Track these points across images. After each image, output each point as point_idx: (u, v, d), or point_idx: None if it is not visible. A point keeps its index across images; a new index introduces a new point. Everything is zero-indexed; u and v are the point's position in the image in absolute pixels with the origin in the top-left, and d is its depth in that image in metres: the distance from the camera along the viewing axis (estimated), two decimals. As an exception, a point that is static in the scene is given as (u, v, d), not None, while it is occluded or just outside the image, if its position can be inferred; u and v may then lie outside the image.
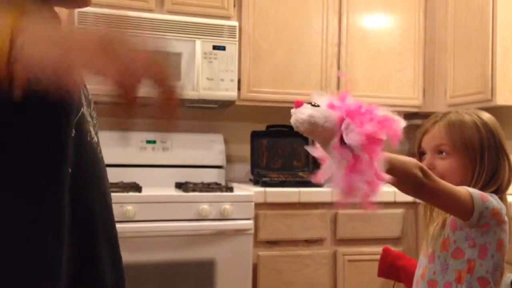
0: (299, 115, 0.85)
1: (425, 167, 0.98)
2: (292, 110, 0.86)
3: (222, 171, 2.73)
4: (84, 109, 0.81)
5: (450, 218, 1.13)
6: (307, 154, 2.88)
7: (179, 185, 2.45)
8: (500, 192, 1.12)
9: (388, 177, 0.84)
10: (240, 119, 2.89)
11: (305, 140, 2.88)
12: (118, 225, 2.10)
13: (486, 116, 1.18)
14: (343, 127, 0.83)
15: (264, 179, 2.48)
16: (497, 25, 2.40)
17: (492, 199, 1.06)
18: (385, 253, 1.31)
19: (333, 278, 2.38)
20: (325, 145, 0.84)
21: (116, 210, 2.25)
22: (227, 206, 2.18)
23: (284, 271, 2.30)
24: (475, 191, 1.04)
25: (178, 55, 2.41)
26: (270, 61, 2.63)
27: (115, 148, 2.60)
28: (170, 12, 2.46)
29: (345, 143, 0.81)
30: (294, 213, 2.33)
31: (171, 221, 2.13)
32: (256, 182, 2.60)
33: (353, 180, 0.82)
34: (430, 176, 0.97)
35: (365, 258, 2.36)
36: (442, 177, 1.10)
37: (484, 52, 2.44)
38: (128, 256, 2.26)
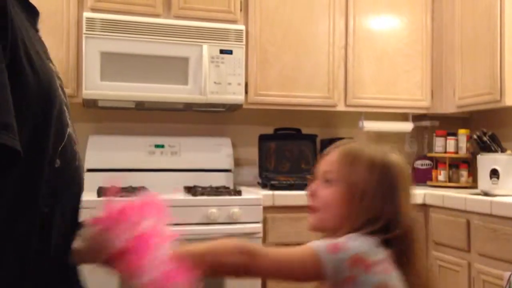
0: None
1: (250, 248, 0.89)
2: None
3: (230, 174, 2.73)
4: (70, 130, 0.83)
5: None
6: (315, 156, 2.87)
7: (188, 189, 2.45)
8: (388, 233, 0.96)
9: None
10: (248, 123, 2.90)
11: (313, 143, 2.88)
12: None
13: (393, 158, 1.03)
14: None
15: (272, 182, 2.48)
16: (505, 25, 2.38)
17: (350, 243, 0.92)
18: None
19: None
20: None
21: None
22: (235, 209, 2.18)
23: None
24: (321, 246, 0.91)
25: (185, 60, 2.42)
26: (277, 64, 2.64)
27: (123, 153, 2.62)
28: (177, 17, 2.47)
29: None
30: (302, 216, 2.32)
31: (180, 225, 2.13)
32: (264, 185, 2.60)
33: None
34: (255, 256, 0.88)
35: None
36: (319, 209, 1.02)
37: (492, 53, 2.43)
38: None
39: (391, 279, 0.93)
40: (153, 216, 0.86)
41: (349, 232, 0.95)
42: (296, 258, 0.92)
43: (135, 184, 2.51)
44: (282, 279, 0.97)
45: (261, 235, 2.22)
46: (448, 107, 2.77)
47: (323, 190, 1.03)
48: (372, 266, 0.91)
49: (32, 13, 0.83)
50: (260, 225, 2.22)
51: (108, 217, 0.87)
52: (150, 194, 0.88)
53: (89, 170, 2.53)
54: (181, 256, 0.87)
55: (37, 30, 0.85)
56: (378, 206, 0.98)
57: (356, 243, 0.92)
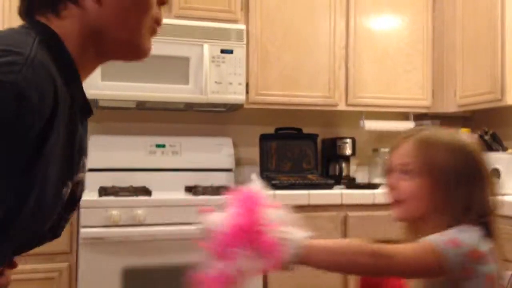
0: (208, 225, 0.95)
1: (379, 249, 0.89)
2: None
3: (231, 174, 2.73)
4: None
5: None
6: (316, 156, 2.87)
7: (189, 189, 2.45)
8: (482, 220, 0.98)
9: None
10: (249, 122, 2.90)
11: (314, 143, 2.88)
12: (128, 229, 2.12)
13: (467, 139, 1.04)
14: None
15: (273, 181, 2.48)
16: (506, 25, 2.38)
17: (464, 236, 0.93)
18: (364, 283, 1.16)
19: (344, 281, 2.37)
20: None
21: (126, 214, 2.27)
22: (236, 209, 2.18)
23: (296, 274, 2.29)
24: (440, 241, 0.91)
25: (186, 59, 2.42)
26: (278, 64, 2.64)
27: (124, 152, 2.63)
28: (178, 17, 2.47)
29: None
30: (303, 215, 2.32)
31: (181, 225, 2.13)
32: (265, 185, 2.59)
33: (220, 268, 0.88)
34: (386, 257, 0.89)
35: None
36: (404, 201, 1.01)
37: (493, 52, 2.43)
38: (138, 259, 2.28)
39: (496, 267, 0.97)
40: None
41: (450, 222, 0.96)
42: (419, 256, 0.91)
43: (136, 184, 2.52)
44: (408, 277, 0.99)
45: (262, 234, 2.22)
46: (449, 107, 2.77)
47: (405, 182, 1.02)
48: (484, 257, 0.94)
49: (85, 113, 0.81)
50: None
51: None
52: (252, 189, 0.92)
53: (90, 170, 2.53)
54: (312, 246, 0.89)
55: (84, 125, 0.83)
56: (470, 190, 0.98)
57: (471, 236, 0.94)
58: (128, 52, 0.81)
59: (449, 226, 0.96)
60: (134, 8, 0.78)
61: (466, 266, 0.92)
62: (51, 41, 0.72)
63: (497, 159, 2.38)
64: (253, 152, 2.85)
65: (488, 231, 0.98)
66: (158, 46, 2.50)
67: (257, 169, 2.81)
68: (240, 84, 2.50)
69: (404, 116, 3.03)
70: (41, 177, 0.65)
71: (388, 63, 2.79)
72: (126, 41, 0.79)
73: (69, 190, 0.77)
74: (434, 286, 0.99)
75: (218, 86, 2.46)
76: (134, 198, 2.13)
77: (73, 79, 0.74)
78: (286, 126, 2.87)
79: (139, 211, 2.07)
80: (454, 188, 0.97)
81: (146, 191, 2.24)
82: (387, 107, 2.81)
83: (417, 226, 1.03)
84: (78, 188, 0.83)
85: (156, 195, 2.21)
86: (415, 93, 2.82)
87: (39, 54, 0.65)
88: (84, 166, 0.84)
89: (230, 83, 2.48)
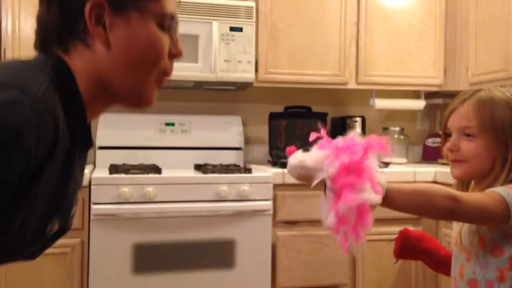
0: (292, 161, 0.91)
1: (455, 194, 0.94)
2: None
3: (240, 152, 2.74)
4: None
5: None
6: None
7: (198, 167, 2.47)
8: None
9: (377, 200, 0.87)
10: (258, 101, 2.89)
11: (324, 121, 2.87)
12: (139, 206, 2.15)
13: None
14: (325, 164, 0.87)
15: (282, 160, 2.49)
16: (521, 0, 2.33)
17: None
18: (405, 235, 1.24)
19: (351, 257, 2.39)
20: (318, 185, 0.89)
21: (137, 191, 2.30)
22: (245, 187, 2.20)
23: (303, 250, 2.32)
24: (508, 194, 0.97)
25: (195, 37, 2.41)
26: (288, 41, 2.61)
27: (134, 131, 2.64)
28: (187, -6, 2.45)
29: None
30: (312, 193, 2.34)
31: (191, 202, 2.16)
32: (274, 163, 2.61)
33: (339, 211, 0.85)
34: (460, 202, 0.93)
35: (384, 238, 2.35)
36: (467, 160, 1.07)
37: (508, 28, 2.38)
38: (148, 236, 2.31)
39: None
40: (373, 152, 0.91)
41: (508, 177, 1.03)
42: (490, 204, 0.96)
43: (145, 161, 2.54)
44: (476, 223, 1.04)
45: (271, 212, 2.24)
46: (461, 84, 2.74)
47: (467, 143, 1.08)
48: None
49: (86, 146, 0.80)
50: (270, 203, 2.24)
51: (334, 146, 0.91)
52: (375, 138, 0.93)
53: (100, 148, 2.56)
54: (394, 188, 0.92)
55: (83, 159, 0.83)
56: None
57: None
58: (130, 100, 0.80)
59: (509, 182, 1.03)
60: (143, 59, 0.76)
61: None
62: (64, 79, 0.72)
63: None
64: (263, 131, 2.85)
65: None
66: (167, 23, 2.50)
67: (266, 147, 2.82)
68: (249, 62, 2.48)
69: (415, 95, 3.00)
70: (26, 216, 0.65)
71: (399, 40, 2.75)
72: (129, 89, 0.78)
73: (56, 226, 0.78)
74: (484, 233, 1.05)
75: (228, 65, 2.45)
76: (145, 175, 2.15)
77: (79, 119, 0.74)
78: (295, 105, 2.86)
79: (149, 189, 2.10)
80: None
81: (156, 169, 2.26)
82: (398, 85, 2.78)
83: (471, 183, 1.10)
84: (69, 222, 0.84)
85: (166, 173, 2.23)
86: (426, 70, 2.79)
87: (47, 94, 0.65)
88: (77, 199, 0.84)
89: (240, 61, 2.47)
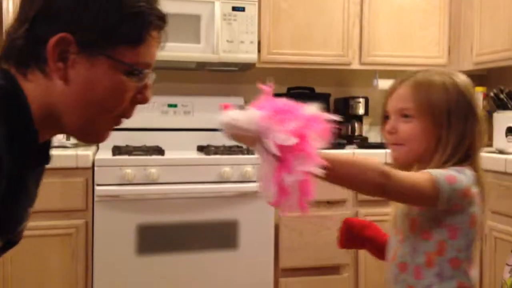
0: (223, 118, 0.84)
1: (387, 170, 0.91)
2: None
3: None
4: None
5: None
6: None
7: (201, 148, 2.47)
8: (470, 158, 1.04)
9: (321, 172, 0.82)
10: (261, 82, 2.87)
11: (326, 102, 2.86)
12: (142, 187, 2.17)
13: (459, 77, 1.07)
14: (264, 128, 0.81)
15: (285, 141, 2.49)
16: (528, -22, 2.29)
17: (461, 176, 0.98)
18: (348, 224, 1.21)
19: (355, 256, 2.40)
20: (252, 147, 0.84)
21: (140, 172, 2.30)
22: (248, 168, 2.20)
23: (305, 232, 2.34)
24: (440, 175, 0.96)
25: (197, 17, 2.38)
26: (291, 21, 2.58)
27: (137, 112, 2.63)
28: (188, -27, 2.42)
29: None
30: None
31: (194, 183, 2.16)
32: (277, 144, 2.60)
33: (282, 181, 0.81)
34: (391, 178, 0.91)
35: (387, 219, 2.37)
36: (405, 143, 1.06)
37: (513, 7, 2.35)
38: (152, 217, 2.33)
39: (480, 209, 1.03)
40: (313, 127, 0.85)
41: (444, 159, 1.02)
42: (421, 183, 0.95)
43: (148, 143, 2.54)
44: (406, 202, 1.02)
45: (274, 193, 2.25)
46: (465, 65, 2.71)
47: (404, 125, 1.06)
48: (474, 197, 1.01)
49: (41, 163, 0.80)
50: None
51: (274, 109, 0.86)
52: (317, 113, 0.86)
53: (104, 130, 2.55)
54: (329, 156, 0.88)
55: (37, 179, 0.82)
56: (462, 127, 1.03)
57: (466, 176, 0.99)
58: (80, 135, 0.80)
59: (444, 163, 1.01)
60: (99, 102, 0.74)
61: (457, 202, 0.97)
62: (15, 103, 0.70)
63: (512, 118, 2.35)
64: (265, 112, 2.84)
65: (475, 170, 1.03)
66: (169, 3, 2.46)
67: (269, 128, 2.81)
68: (252, 42, 2.46)
69: (418, 75, 2.97)
70: None
71: (403, 20, 2.72)
72: (80, 125, 0.77)
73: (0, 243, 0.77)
74: (415, 215, 1.04)
75: (230, 45, 2.43)
76: (148, 157, 2.15)
77: (31, 141, 0.73)
78: (298, 86, 2.84)
79: (153, 170, 2.10)
80: (448, 126, 1.02)
81: (159, 151, 2.27)
82: (401, 65, 2.75)
83: (412, 167, 1.07)
84: (17, 236, 0.83)
85: (168, 155, 2.24)
86: (430, 50, 2.76)
87: None
88: (28, 215, 0.83)
89: (242, 42, 2.45)
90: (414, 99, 1.05)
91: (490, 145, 2.56)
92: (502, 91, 2.45)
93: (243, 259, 2.21)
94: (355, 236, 1.20)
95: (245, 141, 0.85)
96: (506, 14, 2.40)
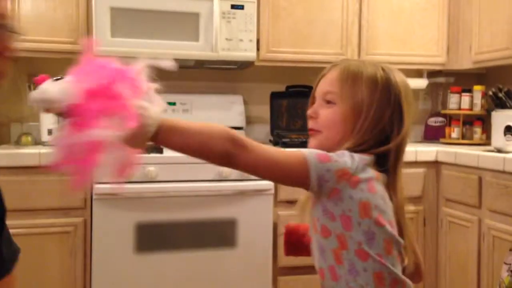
0: (33, 94, 0.77)
1: (240, 138, 0.87)
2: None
3: (242, 132, 2.74)
4: None
5: None
6: (327, 114, 2.85)
7: (200, 147, 2.47)
8: (385, 156, 0.98)
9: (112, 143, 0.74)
10: (260, 80, 2.87)
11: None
12: (141, 185, 2.17)
13: (395, 74, 1.02)
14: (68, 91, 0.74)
15: (284, 140, 2.49)
16: (527, -23, 2.29)
17: (339, 158, 0.92)
18: (289, 232, 1.15)
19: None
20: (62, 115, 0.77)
21: (139, 171, 2.30)
22: (247, 166, 2.20)
23: (304, 230, 2.33)
24: (311, 153, 0.91)
25: (196, 15, 2.38)
26: (290, 19, 2.58)
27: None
28: (187, -29, 2.41)
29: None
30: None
31: (193, 182, 2.16)
32: (276, 143, 2.60)
33: (69, 144, 0.74)
34: (243, 147, 0.86)
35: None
36: (322, 130, 1.02)
37: (511, 7, 2.35)
38: (150, 215, 2.33)
39: (375, 198, 0.93)
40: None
41: (347, 148, 0.96)
42: (285, 159, 0.90)
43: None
44: (266, 177, 0.95)
45: (272, 192, 2.25)
46: (464, 63, 2.72)
47: (324, 111, 1.03)
48: (359, 182, 0.92)
49: None
50: (271, 182, 2.24)
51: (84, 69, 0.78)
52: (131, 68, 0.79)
53: (102, 128, 2.55)
54: (168, 124, 0.83)
55: None
56: (381, 121, 0.98)
57: (347, 158, 0.92)
58: None
59: (346, 149, 0.96)
60: None
61: (332, 185, 0.90)
62: None
63: (510, 117, 2.35)
64: (264, 110, 2.84)
65: (386, 165, 0.97)
66: (168, 1, 2.47)
67: (268, 127, 2.81)
68: (251, 40, 2.46)
69: (417, 73, 2.98)
70: None
71: (402, 19, 2.72)
72: None
73: None
74: (314, 215, 0.98)
75: (229, 43, 2.43)
76: (146, 155, 2.15)
77: None
78: (297, 84, 2.84)
79: (151, 168, 2.10)
80: (365, 118, 0.98)
81: (157, 149, 2.26)
82: (400, 64, 2.74)
83: None
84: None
85: (167, 153, 2.23)
86: (429, 49, 2.76)
87: None
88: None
89: (241, 40, 2.44)
90: (339, 85, 1.01)
91: (489, 144, 2.57)
92: (500, 90, 2.45)
93: (242, 258, 2.22)
94: (294, 243, 1.15)
95: (55, 111, 0.77)
96: (505, 13, 2.40)
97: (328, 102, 1.02)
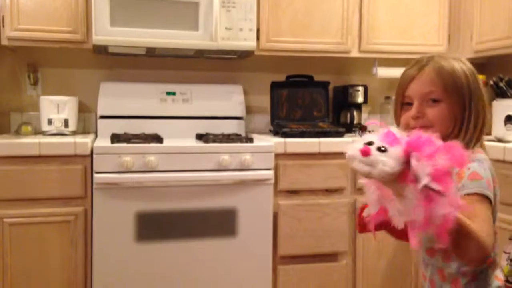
0: (380, 166, 0.78)
1: (482, 240, 0.91)
2: (358, 158, 0.80)
3: (242, 122, 2.73)
4: None
5: None
6: (327, 104, 2.85)
7: (200, 136, 2.47)
8: (481, 138, 1.14)
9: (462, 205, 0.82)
10: (260, 70, 2.86)
11: (325, 90, 2.85)
12: (141, 175, 2.18)
13: (468, 63, 1.15)
14: (413, 163, 0.78)
15: (284, 129, 2.49)
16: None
17: (485, 171, 1.05)
18: (364, 209, 1.18)
19: (352, 226, 2.41)
20: (392, 184, 0.81)
21: (139, 160, 2.31)
22: (247, 156, 2.20)
23: (304, 219, 2.34)
24: (484, 188, 1.02)
25: (196, 4, 2.36)
26: (290, 9, 2.57)
27: (135, 100, 2.63)
28: (187, -41, 2.39)
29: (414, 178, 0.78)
30: (314, 163, 2.35)
31: (193, 171, 2.17)
32: (276, 132, 2.60)
33: (431, 212, 0.79)
34: (481, 246, 0.91)
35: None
36: (433, 125, 1.11)
37: (514, -5, 2.33)
38: (151, 204, 2.33)
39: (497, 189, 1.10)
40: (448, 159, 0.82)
41: (467, 143, 1.09)
42: (488, 221, 0.99)
43: (147, 131, 2.54)
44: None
45: (272, 181, 2.25)
46: (465, 53, 2.70)
47: (432, 109, 1.12)
48: (493, 184, 1.08)
49: None
50: (271, 172, 2.25)
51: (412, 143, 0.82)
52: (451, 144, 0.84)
53: (102, 117, 2.55)
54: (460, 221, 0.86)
55: None
56: (480, 109, 1.12)
57: (485, 170, 1.06)
58: None
59: (466, 144, 1.08)
60: None
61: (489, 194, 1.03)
62: None
63: (511, 106, 2.35)
64: (264, 100, 2.84)
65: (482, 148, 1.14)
66: (167, -10, 2.45)
67: (268, 117, 2.81)
68: (251, 30, 2.45)
69: (418, 63, 2.96)
70: None
71: (403, 8, 2.70)
72: None
73: None
74: None
75: (229, 32, 2.42)
76: (146, 145, 2.15)
77: None
78: (297, 74, 2.83)
79: (151, 158, 2.10)
80: (469, 109, 1.11)
81: (157, 138, 2.26)
82: (401, 53, 2.74)
83: None
84: None
85: (167, 142, 2.23)
86: (430, 38, 2.75)
87: None
88: None
89: (241, 29, 2.43)
90: (440, 82, 1.10)
91: (489, 133, 2.56)
92: (501, 79, 2.45)
93: (242, 247, 2.23)
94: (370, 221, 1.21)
95: (392, 181, 0.80)
96: (506, 2, 2.39)
97: (434, 100, 1.12)
